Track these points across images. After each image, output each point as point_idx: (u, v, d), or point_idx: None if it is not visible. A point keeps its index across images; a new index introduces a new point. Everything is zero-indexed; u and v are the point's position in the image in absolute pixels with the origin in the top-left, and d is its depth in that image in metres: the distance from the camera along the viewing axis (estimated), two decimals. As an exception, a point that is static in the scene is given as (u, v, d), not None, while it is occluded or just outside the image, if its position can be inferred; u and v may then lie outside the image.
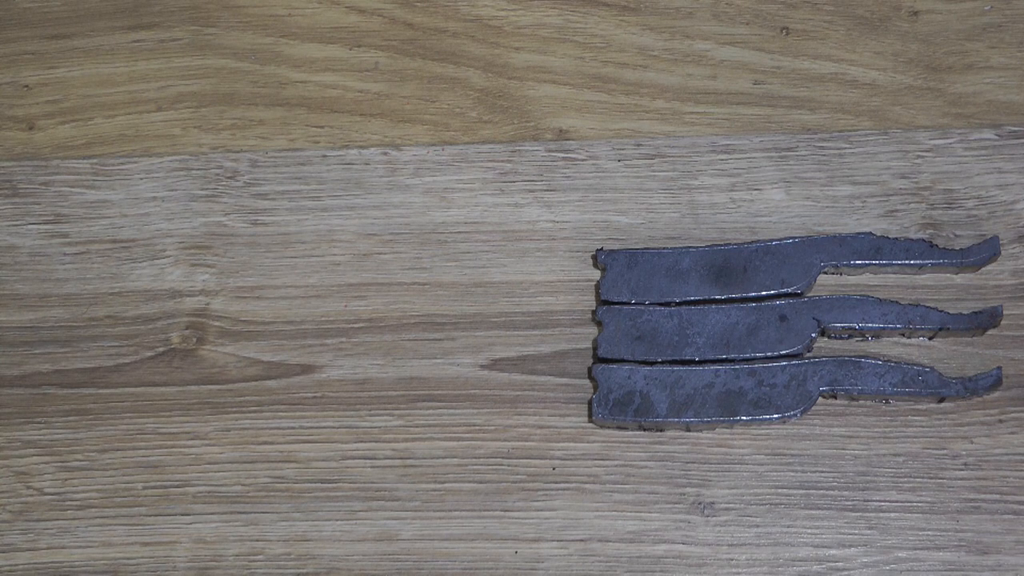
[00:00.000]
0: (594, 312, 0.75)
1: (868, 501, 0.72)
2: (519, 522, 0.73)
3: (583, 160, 0.78)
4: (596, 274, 0.76)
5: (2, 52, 0.83)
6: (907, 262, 0.73)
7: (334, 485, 0.74)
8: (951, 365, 0.73)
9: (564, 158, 0.78)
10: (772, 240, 0.74)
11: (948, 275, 0.75)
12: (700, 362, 0.72)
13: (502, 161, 0.78)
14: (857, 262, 0.73)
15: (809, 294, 0.74)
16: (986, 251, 0.73)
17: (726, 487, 0.73)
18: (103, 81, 0.82)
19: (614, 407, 0.72)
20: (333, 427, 0.75)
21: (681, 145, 0.78)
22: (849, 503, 0.72)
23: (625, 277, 0.74)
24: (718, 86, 0.79)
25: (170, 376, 0.76)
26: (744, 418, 0.71)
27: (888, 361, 0.72)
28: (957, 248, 0.74)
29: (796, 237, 0.74)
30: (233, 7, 0.82)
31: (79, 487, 0.75)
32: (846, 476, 0.72)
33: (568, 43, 0.80)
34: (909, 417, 0.73)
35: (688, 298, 0.74)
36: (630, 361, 0.73)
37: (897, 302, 0.72)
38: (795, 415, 0.71)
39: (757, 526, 0.72)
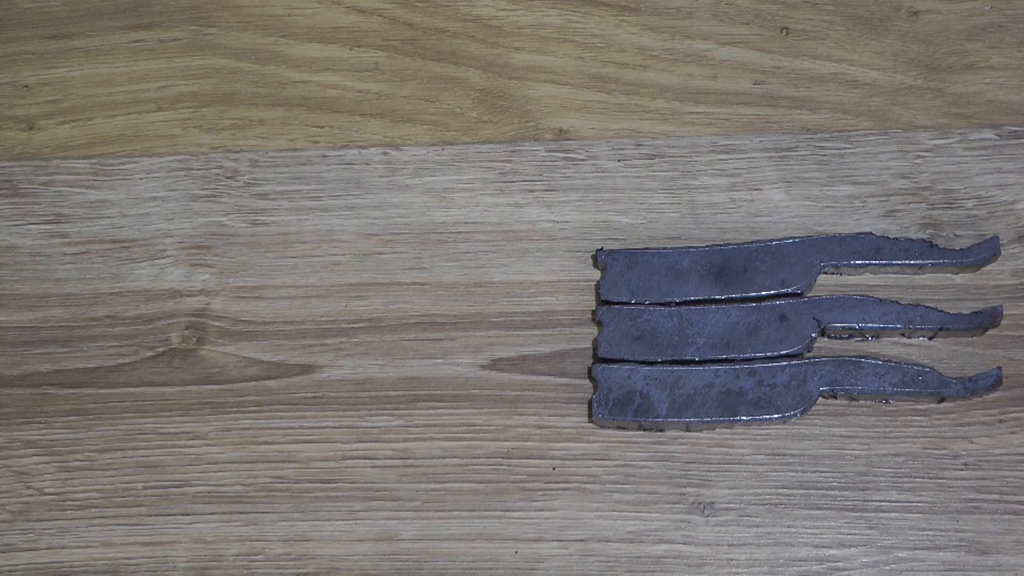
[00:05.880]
0: (594, 312, 0.75)
1: (868, 501, 0.72)
2: (519, 522, 0.73)
3: (583, 160, 0.78)
4: (596, 274, 0.76)
5: (2, 52, 0.83)
6: (907, 262, 0.73)
7: (334, 485, 0.74)
8: (951, 365, 0.73)
9: (564, 158, 0.78)
10: (772, 240, 0.74)
11: (948, 275, 0.75)
12: (700, 362, 0.72)
13: (502, 161, 0.78)
14: (857, 262, 0.73)
15: (809, 294, 0.74)
16: (986, 251, 0.73)
17: (726, 487, 0.73)
18: (103, 81, 0.82)
19: (614, 407, 0.72)
20: (333, 427, 0.75)
21: (681, 145, 0.78)
22: (849, 503, 0.72)
23: (625, 277, 0.74)
24: (718, 86, 0.79)
25: (170, 376, 0.76)
26: (744, 418, 0.71)
27: (888, 361, 0.72)
28: (957, 248, 0.74)
29: (796, 237, 0.74)
30: (233, 7, 0.82)
31: (79, 487, 0.75)
32: (846, 476, 0.72)
33: (568, 43, 0.80)
34: (909, 417, 0.73)
35: (688, 298, 0.74)
36: (630, 361, 0.73)
37: (897, 302, 0.72)
38: (795, 415, 0.71)
39: (757, 526, 0.72)
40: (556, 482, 0.73)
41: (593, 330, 0.75)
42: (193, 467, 0.75)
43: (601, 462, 0.73)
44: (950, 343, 0.73)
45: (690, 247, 0.74)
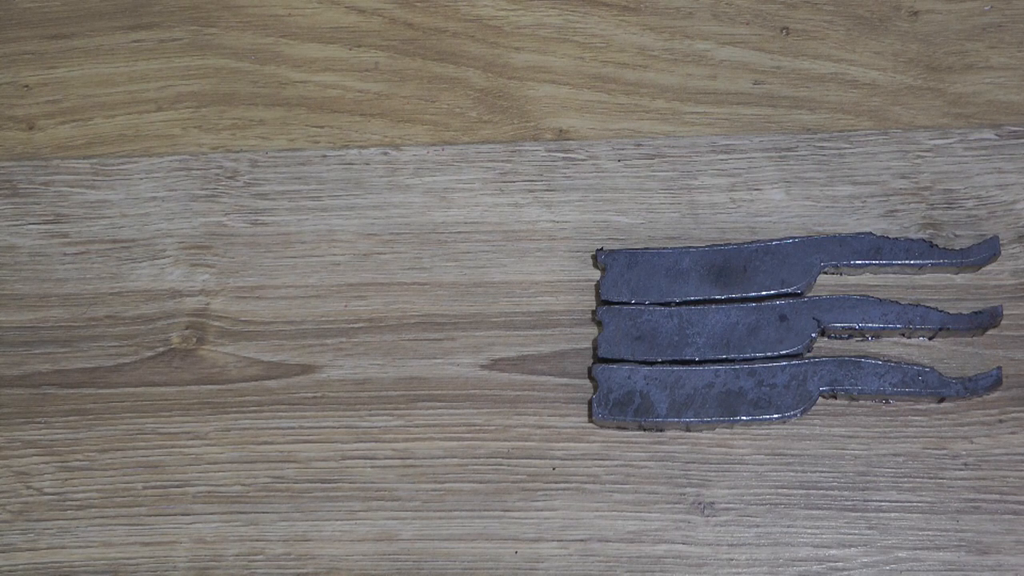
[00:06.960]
0: (594, 312, 0.75)
1: (868, 501, 0.72)
2: (519, 522, 0.73)
3: (583, 160, 0.78)
4: (596, 274, 0.76)
5: (2, 52, 0.83)
6: (907, 262, 0.73)
7: (334, 485, 0.74)
8: (951, 365, 0.73)
9: (564, 158, 0.78)
10: (772, 240, 0.74)
11: (948, 275, 0.75)
12: (700, 362, 0.72)
13: (502, 161, 0.78)
14: (857, 262, 0.73)
15: (809, 294, 0.74)
16: (986, 251, 0.73)
17: (726, 487, 0.73)
18: (103, 81, 0.82)
19: (614, 407, 0.72)
20: (333, 427, 0.75)
21: (681, 145, 0.78)
22: (849, 503, 0.72)
23: (625, 277, 0.74)
24: (718, 86, 0.79)
25: (170, 376, 0.76)
26: (744, 418, 0.71)
27: (888, 361, 0.72)
28: (957, 248, 0.74)
29: (796, 237, 0.74)
30: (233, 7, 0.82)
31: (79, 487, 0.75)
32: (846, 476, 0.72)
33: (568, 43, 0.80)
34: (909, 417, 0.73)
35: (688, 298, 0.74)
36: (630, 361, 0.73)
37: (897, 302, 0.72)
38: (795, 415, 0.71)
39: (757, 526, 0.72)
40: (556, 482, 0.73)
41: (593, 330, 0.75)
42: (193, 467, 0.75)
43: (601, 462, 0.73)
44: (950, 343, 0.73)
45: (690, 247, 0.74)
